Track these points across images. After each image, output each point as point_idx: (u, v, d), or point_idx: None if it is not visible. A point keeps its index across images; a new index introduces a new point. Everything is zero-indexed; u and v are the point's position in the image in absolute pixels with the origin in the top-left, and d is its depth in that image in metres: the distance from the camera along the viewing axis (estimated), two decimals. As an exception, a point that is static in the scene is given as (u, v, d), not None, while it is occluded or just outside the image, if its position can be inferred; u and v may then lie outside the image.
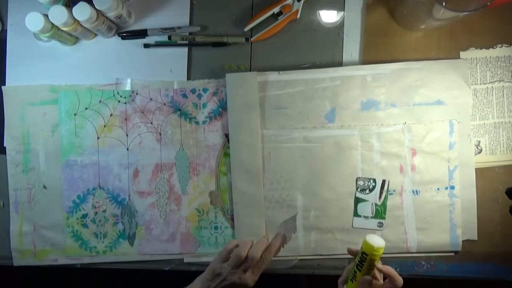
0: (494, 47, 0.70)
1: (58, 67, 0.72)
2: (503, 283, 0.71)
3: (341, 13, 0.71)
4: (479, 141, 0.70)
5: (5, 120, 0.72)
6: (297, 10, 0.70)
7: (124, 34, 0.72)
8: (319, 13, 0.72)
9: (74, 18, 0.64)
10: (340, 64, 0.71)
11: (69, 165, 0.71)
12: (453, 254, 0.70)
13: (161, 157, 0.71)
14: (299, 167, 0.70)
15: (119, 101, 0.71)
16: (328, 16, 0.72)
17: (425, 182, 0.69)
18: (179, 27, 0.71)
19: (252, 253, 0.61)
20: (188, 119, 0.71)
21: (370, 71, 0.70)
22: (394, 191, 0.69)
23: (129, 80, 0.72)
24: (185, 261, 0.71)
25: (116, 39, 0.72)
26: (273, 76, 0.70)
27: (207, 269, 0.62)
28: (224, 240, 0.71)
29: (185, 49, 0.72)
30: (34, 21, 0.63)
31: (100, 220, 0.72)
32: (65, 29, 0.65)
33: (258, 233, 0.69)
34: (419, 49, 0.71)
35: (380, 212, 0.69)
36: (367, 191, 0.69)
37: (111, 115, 0.71)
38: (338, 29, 0.72)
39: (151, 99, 0.71)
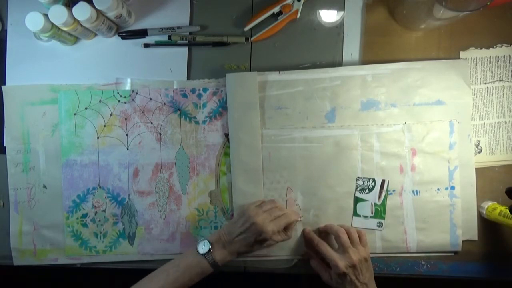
0: (494, 47, 0.70)
1: (58, 67, 0.72)
2: (503, 283, 0.71)
3: (341, 13, 0.71)
4: (479, 141, 0.70)
5: (5, 119, 0.72)
6: (297, 10, 0.70)
7: (124, 34, 0.72)
8: (319, 13, 0.72)
9: (74, 18, 0.64)
10: (340, 64, 0.71)
11: (69, 164, 0.71)
12: (453, 254, 0.70)
13: (161, 157, 0.71)
14: (299, 167, 0.70)
15: (119, 101, 0.71)
16: (328, 16, 0.72)
17: (425, 182, 0.69)
18: (179, 27, 0.71)
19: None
20: (188, 119, 0.71)
21: (370, 71, 0.70)
22: (394, 191, 0.69)
23: (129, 80, 0.72)
24: (185, 261, 0.71)
25: (116, 39, 0.72)
26: (273, 76, 0.70)
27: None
28: (224, 240, 0.71)
29: (185, 49, 0.72)
30: (34, 21, 0.63)
31: (100, 220, 0.72)
32: (65, 29, 0.65)
33: (258, 233, 0.70)
34: (419, 49, 0.71)
35: (379, 212, 0.69)
36: (367, 190, 0.69)
37: (111, 114, 0.71)
38: (338, 29, 0.72)
39: (151, 99, 0.71)
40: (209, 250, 0.62)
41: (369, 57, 0.71)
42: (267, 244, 0.64)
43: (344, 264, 0.61)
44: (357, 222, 0.69)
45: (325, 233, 0.69)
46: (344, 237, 0.64)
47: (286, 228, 0.66)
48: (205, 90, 0.71)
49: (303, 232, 0.69)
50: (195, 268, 0.61)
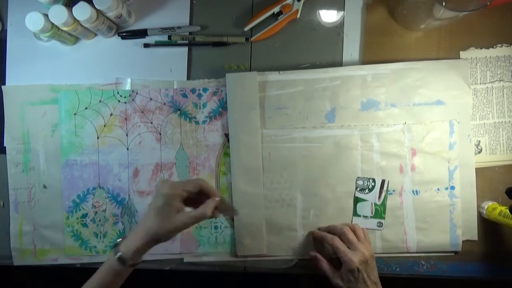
0: (494, 47, 0.70)
1: (58, 67, 0.72)
2: (503, 283, 0.71)
3: (341, 13, 0.71)
4: (479, 141, 0.70)
5: (5, 119, 0.72)
6: (297, 10, 0.70)
7: (124, 34, 0.72)
8: (319, 13, 0.72)
9: (74, 18, 0.64)
10: (340, 64, 0.71)
11: (69, 164, 0.71)
12: (453, 254, 0.70)
13: (161, 157, 0.71)
14: (299, 167, 0.70)
15: (119, 101, 0.71)
16: (328, 16, 0.72)
17: (425, 182, 0.69)
18: (179, 27, 0.71)
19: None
20: (188, 119, 0.71)
21: (370, 71, 0.70)
22: (394, 191, 0.69)
23: (129, 80, 0.72)
24: (185, 260, 0.71)
25: (116, 39, 0.72)
26: (273, 76, 0.70)
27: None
28: (224, 240, 0.71)
29: (185, 49, 0.72)
30: (34, 21, 0.63)
31: (100, 220, 0.72)
32: (65, 29, 0.65)
33: (258, 233, 0.69)
34: (419, 49, 0.71)
35: (379, 212, 0.69)
36: (366, 190, 0.69)
37: (111, 114, 0.71)
38: (338, 29, 0.72)
39: (151, 99, 0.71)
40: (118, 243, 0.55)
41: (369, 57, 0.71)
42: (178, 221, 0.53)
43: (358, 260, 0.61)
44: (357, 222, 0.69)
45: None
46: (351, 235, 0.64)
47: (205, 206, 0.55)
48: (205, 90, 0.71)
49: (313, 234, 0.69)
50: (105, 264, 0.55)
